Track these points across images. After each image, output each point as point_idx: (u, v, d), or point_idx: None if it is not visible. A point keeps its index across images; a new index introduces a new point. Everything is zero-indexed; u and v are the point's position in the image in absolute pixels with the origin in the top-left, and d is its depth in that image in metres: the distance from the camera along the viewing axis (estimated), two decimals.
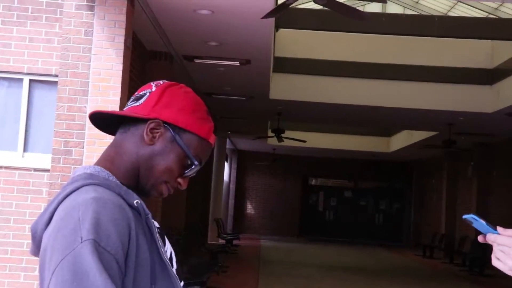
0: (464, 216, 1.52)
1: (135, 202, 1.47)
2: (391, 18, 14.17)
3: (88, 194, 1.42)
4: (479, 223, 1.50)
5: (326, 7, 6.77)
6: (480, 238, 1.52)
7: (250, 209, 28.26)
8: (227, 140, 22.90)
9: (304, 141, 17.60)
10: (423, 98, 13.37)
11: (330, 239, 26.96)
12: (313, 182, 29.28)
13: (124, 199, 1.46)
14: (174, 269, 1.51)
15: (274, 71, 12.84)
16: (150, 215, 1.49)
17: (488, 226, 1.50)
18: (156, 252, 1.46)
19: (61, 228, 1.38)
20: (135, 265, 1.41)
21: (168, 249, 1.57)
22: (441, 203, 22.11)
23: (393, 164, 27.52)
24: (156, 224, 1.53)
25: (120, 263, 1.37)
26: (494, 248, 1.50)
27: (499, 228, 1.51)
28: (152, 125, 1.53)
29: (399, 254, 22.49)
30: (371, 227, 28.43)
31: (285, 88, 13.46)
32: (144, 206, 1.49)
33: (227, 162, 25.47)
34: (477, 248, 16.85)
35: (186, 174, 1.56)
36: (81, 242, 1.33)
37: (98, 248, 1.34)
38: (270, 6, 7.40)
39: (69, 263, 1.32)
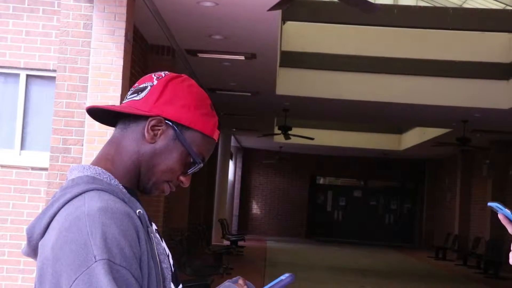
0: (489, 204, 1.51)
1: (137, 212, 1.46)
2: (403, 10, 14.06)
3: (93, 202, 1.40)
4: (504, 211, 1.51)
5: None
6: (503, 219, 1.52)
7: (255, 209, 28.29)
8: (232, 137, 22.91)
9: (312, 139, 17.57)
10: (437, 93, 13.32)
11: (338, 240, 26.99)
12: (321, 181, 29.30)
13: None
14: (170, 275, 1.50)
15: (281, 65, 12.78)
16: (151, 228, 1.49)
17: None
18: (155, 264, 1.45)
19: (69, 242, 1.36)
20: (148, 274, 1.42)
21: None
22: (454, 203, 22.11)
23: (404, 162, 27.48)
24: (154, 227, 1.53)
25: (136, 275, 1.38)
26: None
27: None
28: (153, 122, 1.51)
29: (410, 255, 22.50)
30: (381, 227, 28.47)
31: (293, 83, 13.39)
32: (146, 217, 1.48)
33: (231, 160, 25.50)
34: (492, 249, 16.85)
35: (188, 173, 1.55)
36: (95, 261, 1.33)
37: (114, 266, 1.34)
38: None
39: (85, 284, 1.32)
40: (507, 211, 1.50)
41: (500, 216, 1.52)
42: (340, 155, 26.80)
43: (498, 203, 1.50)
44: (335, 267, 17.01)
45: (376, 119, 17.42)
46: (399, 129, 23.09)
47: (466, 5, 16.04)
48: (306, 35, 13.56)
